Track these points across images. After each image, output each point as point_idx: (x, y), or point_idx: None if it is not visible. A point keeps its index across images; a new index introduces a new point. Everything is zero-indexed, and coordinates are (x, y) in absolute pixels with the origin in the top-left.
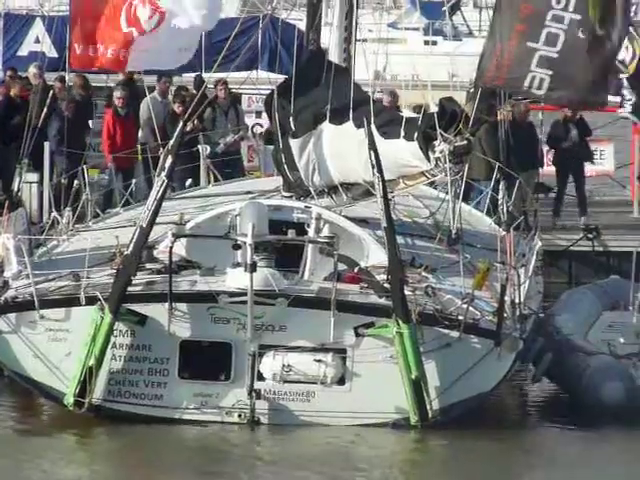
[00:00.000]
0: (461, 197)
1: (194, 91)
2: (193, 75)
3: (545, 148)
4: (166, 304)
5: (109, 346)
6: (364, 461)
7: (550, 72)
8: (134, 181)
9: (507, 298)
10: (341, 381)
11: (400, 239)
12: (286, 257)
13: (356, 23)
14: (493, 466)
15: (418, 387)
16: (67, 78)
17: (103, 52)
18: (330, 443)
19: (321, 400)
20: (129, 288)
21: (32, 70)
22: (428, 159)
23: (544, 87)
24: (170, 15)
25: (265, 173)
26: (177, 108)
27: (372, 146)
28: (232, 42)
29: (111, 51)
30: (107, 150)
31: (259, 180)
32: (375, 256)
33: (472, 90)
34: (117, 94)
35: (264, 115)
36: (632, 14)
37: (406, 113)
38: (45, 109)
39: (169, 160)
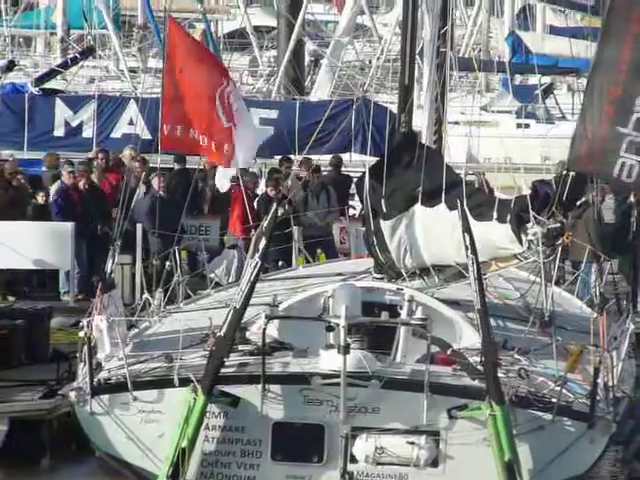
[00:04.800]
0: (553, 279)
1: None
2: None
3: None
4: (259, 386)
5: (202, 428)
6: None
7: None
8: (225, 262)
9: (600, 381)
10: (434, 463)
11: (492, 321)
12: (378, 339)
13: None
14: None
15: (511, 470)
16: (159, 160)
17: (208, 144)
18: None
19: None
20: (222, 370)
21: (127, 152)
22: (520, 242)
23: (634, 175)
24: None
25: (355, 255)
26: (270, 191)
27: (466, 228)
28: (325, 124)
29: (215, 144)
30: (240, 230)
31: (349, 262)
32: (468, 338)
33: (563, 172)
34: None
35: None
36: None
37: (498, 195)
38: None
39: (262, 242)
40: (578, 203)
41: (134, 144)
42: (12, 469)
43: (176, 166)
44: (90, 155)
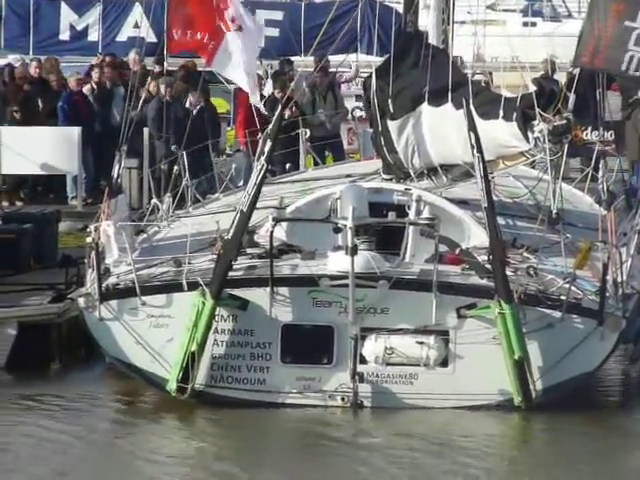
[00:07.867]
0: (561, 176)
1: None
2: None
3: None
4: (267, 288)
5: (211, 331)
6: (467, 443)
7: None
8: (234, 165)
9: (609, 277)
10: (444, 363)
11: (501, 220)
12: (387, 240)
13: (453, 5)
14: (594, 447)
15: (521, 368)
16: (166, 63)
17: (201, 39)
18: (433, 425)
19: (424, 382)
20: (230, 273)
21: (132, 55)
22: (527, 139)
23: None
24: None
25: (364, 156)
26: (277, 93)
27: (472, 127)
28: (330, 25)
29: (206, 39)
30: (242, 135)
31: (358, 163)
32: (476, 237)
33: (572, 70)
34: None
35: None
36: None
37: (505, 94)
38: (143, 94)
39: (268, 144)
40: (630, 101)
41: (139, 47)
42: (21, 373)
43: (157, 68)
44: (93, 62)
